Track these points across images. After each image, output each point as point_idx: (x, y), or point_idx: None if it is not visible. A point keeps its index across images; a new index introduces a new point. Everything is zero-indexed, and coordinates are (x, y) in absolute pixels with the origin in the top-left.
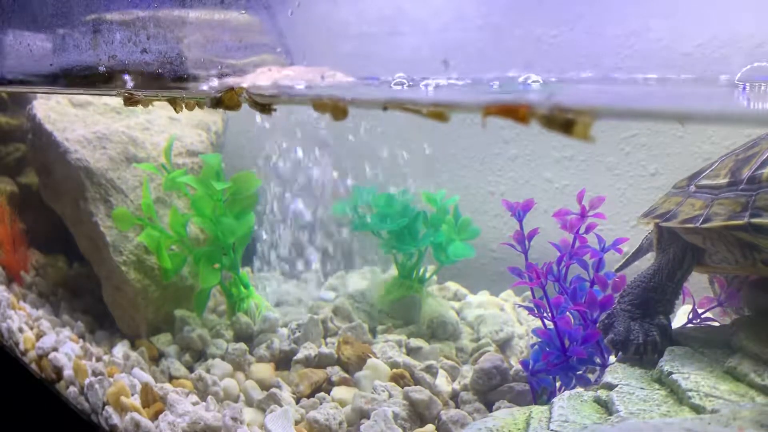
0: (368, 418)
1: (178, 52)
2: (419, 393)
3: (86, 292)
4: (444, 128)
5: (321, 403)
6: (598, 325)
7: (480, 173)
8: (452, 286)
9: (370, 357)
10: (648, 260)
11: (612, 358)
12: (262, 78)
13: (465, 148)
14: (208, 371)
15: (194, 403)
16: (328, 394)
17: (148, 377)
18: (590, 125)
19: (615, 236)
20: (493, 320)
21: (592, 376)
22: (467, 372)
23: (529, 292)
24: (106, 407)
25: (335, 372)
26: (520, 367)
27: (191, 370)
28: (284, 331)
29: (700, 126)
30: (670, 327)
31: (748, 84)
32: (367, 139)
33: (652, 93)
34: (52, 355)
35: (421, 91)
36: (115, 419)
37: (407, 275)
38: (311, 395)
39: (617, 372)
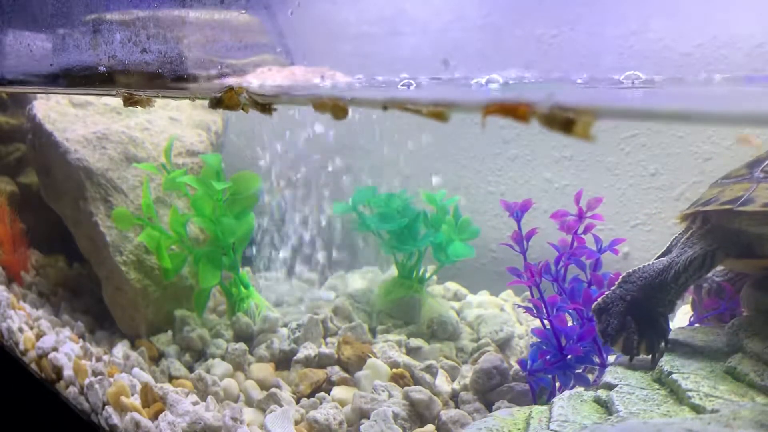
0: (368, 418)
1: (178, 52)
2: (419, 393)
3: (86, 292)
4: (444, 128)
5: (321, 403)
6: (593, 306)
7: (480, 173)
8: (452, 286)
9: (370, 357)
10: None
11: (611, 358)
12: (264, 77)
13: (465, 148)
14: (208, 371)
15: (194, 403)
16: (328, 394)
17: (148, 377)
18: (591, 124)
19: (615, 237)
20: (493, 320)
21: (591, 376)
22: (467, 372)
23: (528, 292)
24: (106, 407)
25: (335, 372)
26: (519, 366)
27: (191, 370)
28: (284, 331)
29: (700, 126)
30: (668, 328)
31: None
32: (367, 138)
33: (652, 93)
34: (52, 355)
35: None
36: (115, 419)
37: (407, 275)
38: (311, 395)
39: (617, 372)
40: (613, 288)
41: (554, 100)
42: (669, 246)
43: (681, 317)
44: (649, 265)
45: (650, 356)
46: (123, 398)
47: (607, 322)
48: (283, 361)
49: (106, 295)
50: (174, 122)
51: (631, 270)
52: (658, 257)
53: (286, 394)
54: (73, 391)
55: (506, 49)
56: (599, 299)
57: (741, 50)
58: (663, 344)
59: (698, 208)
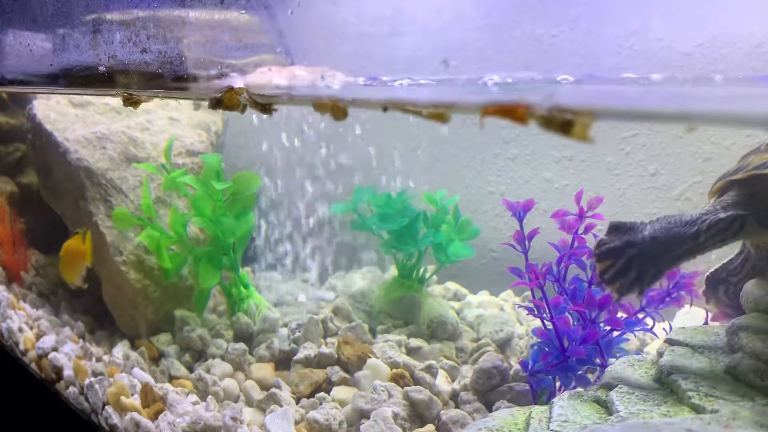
0: (368, 418)
1: (178, 52)
2: (419, 393)
3: (86, 292)
4: (444, 128)
5: (321, 403)
6: (613, 222)
7: (480, 173)
8: (452, 286)
9: (370, 357)
10: None
11: (612, 360)
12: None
13: (465, 148)
14: (208, 371)
15: (194, 403)
16: (328, 394)
17: (148, 377)
18: (589, 126)
19: None
20: (493, 320)
21: (591, 376)
22: (467, 372)
23: (529, 292)
24: (106, 407)
25: (335, 372)
26: (520, 367)
27: (191, 370)
28: (284, 331)
29: (700, 126)
30: (650, 284)
31: None
32: (367, 137)
33: (652, 93)
34: (52, 355)
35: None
36: (115, 419)
37: (407, 275)
38: (311, 395)
39: (617, 372)
40: (644, 224)
41: (553, 101)
42: None
43: (681, 317)
44: (681, 214)
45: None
46: (123, 398)
47: (612, 241)
48: (283, 361)
49: (106, 295)
50: (174, 122)
51: (665, 217)
52: None
53: (286, 394)
54: (73, 391)
55: (506, 49)
56: (627, 221)
57: (741, 50)
58: (635, 293)
59: (753, 172)
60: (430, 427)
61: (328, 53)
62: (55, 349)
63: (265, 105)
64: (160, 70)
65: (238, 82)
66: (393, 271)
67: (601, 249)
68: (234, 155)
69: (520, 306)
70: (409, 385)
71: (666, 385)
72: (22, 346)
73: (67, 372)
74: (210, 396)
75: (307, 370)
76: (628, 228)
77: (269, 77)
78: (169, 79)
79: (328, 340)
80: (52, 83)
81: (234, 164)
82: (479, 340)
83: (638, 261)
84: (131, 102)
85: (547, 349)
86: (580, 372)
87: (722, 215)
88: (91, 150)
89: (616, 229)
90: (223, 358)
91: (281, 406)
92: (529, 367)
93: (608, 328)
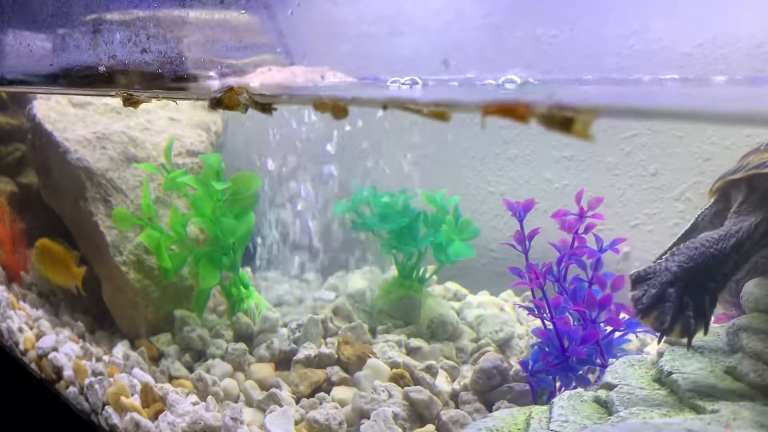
0: (368, 418)
1: (178, 52)
2: (419, 393)
3: (86, 292)
4: (444, 128)
5: (321, 403)
6: (632, 274)
7: (480, 173)
8: (452, 286)
9: (370, 357)
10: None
11: (612, 360)
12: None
13: (465, 148)
14: (208, 371)
15: (194, 403)
16: (328, 394)
17: (148, 377)
18: (590, 123)
19: (615, 236)
20: (493, 320)
21: (592, 376)
22: (467, 372)
23: (529, 292)
24: (106, 407)
25: (335, 372)
26: (520, 367)
27: (191, 370)
28: (284, 331)
29: (700, 126)
30: (712, 310)
31: None
32: (367, 137)
33: (652, 93)
34: (52, 355)
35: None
36: (115, 419)
37: (407, 275)
38: (311, 395)
39: (617, 372)
40: (658, 260)
41: (553, 99)
42: (695, 223)
43: None
44: (701, 236)
45: (685, 339)
46: (123, 398)
47: (644, 290)
48: (283, 361)
49: (106, 295)
50: (174, 122)
51: (680, 244)
52: (681, 236)
53: (286, 394)
54: (73, 391)
55: (506, 49)
56: (641, 268)
57: (741, 50)
58: (702, 329)
59: (753, 171)
60: (430, 427)
61: (328, 53)
62: (55, 349)
63: (265, 105)
64: (160, 70)
65: (216, 85)
66: (393, 271)
67: (641, 304)
68: (234, 155)
69: (520, 306)
70: (409, 385)
71: (666, 385)
72: (22, 346)
73: (67, 372)
74: (210, 396)
75: (307, 370)
76: (651, 273)
77: (255, 78)
78: (169, 79)
79: (328, 340)
80: (52, 83)
81: (234, 164)
82: (479, 340)
83: (687, 297)
84: (131, 102)
85: (547, 349)
86: (580, 372)
87: (755, 220)
88: (91, 150)
89: (639, 280)
90: (223, 358)
91: (281, 406)
92: (529, 367)
93: (609, 328)
